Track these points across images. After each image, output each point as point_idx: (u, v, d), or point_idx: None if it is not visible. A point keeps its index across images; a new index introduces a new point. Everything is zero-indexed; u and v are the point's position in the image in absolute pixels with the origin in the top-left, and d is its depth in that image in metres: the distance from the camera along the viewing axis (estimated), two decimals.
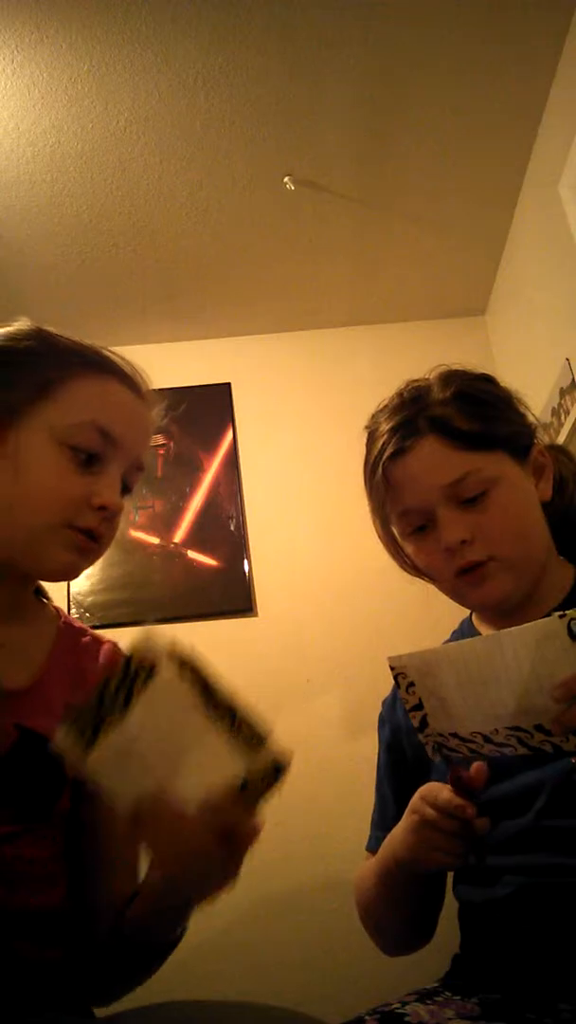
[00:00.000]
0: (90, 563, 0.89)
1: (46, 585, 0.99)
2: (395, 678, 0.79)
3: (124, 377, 0.91)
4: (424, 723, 0.79)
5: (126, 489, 0.91)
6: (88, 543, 0.85)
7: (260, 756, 0.64)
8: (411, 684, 0.77)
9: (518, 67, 1.92)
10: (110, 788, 0.62)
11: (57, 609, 0.98)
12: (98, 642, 0.97)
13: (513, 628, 0.70)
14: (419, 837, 0.83)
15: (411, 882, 0.92)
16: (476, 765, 0.79)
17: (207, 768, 0.63)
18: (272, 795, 0.65)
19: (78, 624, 0.99)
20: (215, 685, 0.65)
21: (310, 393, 2.57)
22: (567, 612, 0.65)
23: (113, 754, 0.61)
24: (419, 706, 0.78)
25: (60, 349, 0.88)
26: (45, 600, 0.98)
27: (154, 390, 0.96)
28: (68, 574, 0.87)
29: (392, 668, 0.78)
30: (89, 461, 0.85)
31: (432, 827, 0.81)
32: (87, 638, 0.97)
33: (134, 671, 0.64)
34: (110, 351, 0.93)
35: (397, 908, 0.99)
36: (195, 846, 0.64)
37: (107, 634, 0.99)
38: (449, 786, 0.79)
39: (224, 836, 0.64)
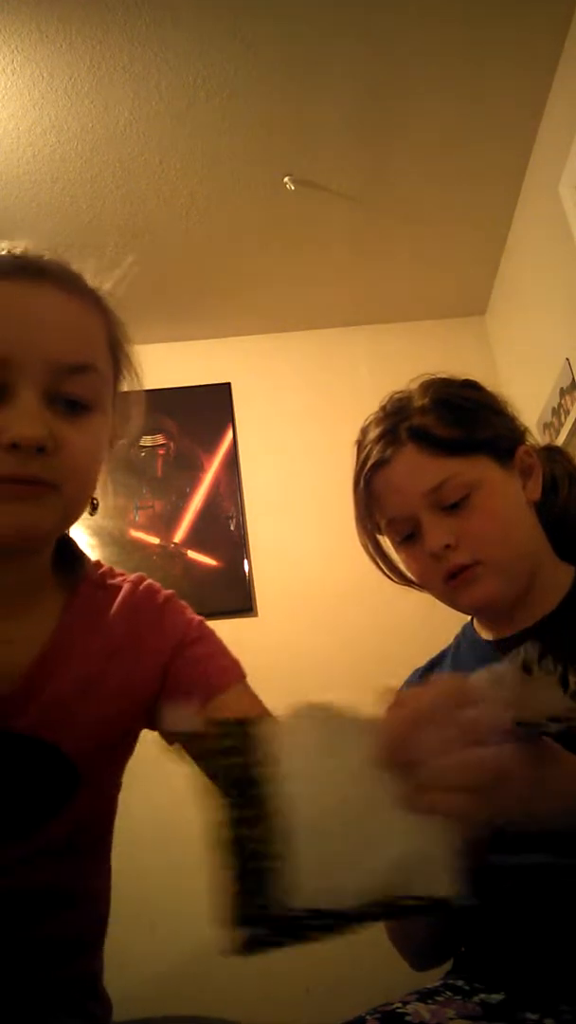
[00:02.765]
0: (54, 513, 0.71)
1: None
2: None
3: (6, 273, 0.71)
4: None
5: (75, 404, 0.71)
6: (21, 490, 0.67)
7: None
8: None
9: (518, 67, 1.92)
10: None
11: (79, 578, 0.83)
12: (117, 588, 0.85)
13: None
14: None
15: None
16: None
17: None
18: None
19: (100, 579, 0.85)
20: None
21: (310, 393, 2.57)
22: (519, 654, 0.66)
23: None
24: None
25: None
26: (75, 571, 0.83)
27: (72, 271, 0.76)
28: (24, 531, 0.69)
29: None
30: None
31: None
32: (106, 590, 0.84)
33: None
34: None
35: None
36: None
37: None
38: None
39: None
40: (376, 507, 1.00)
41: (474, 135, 2.08)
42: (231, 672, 0.85)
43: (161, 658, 0.82)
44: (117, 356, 0.80)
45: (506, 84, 1.96)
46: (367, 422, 1.04)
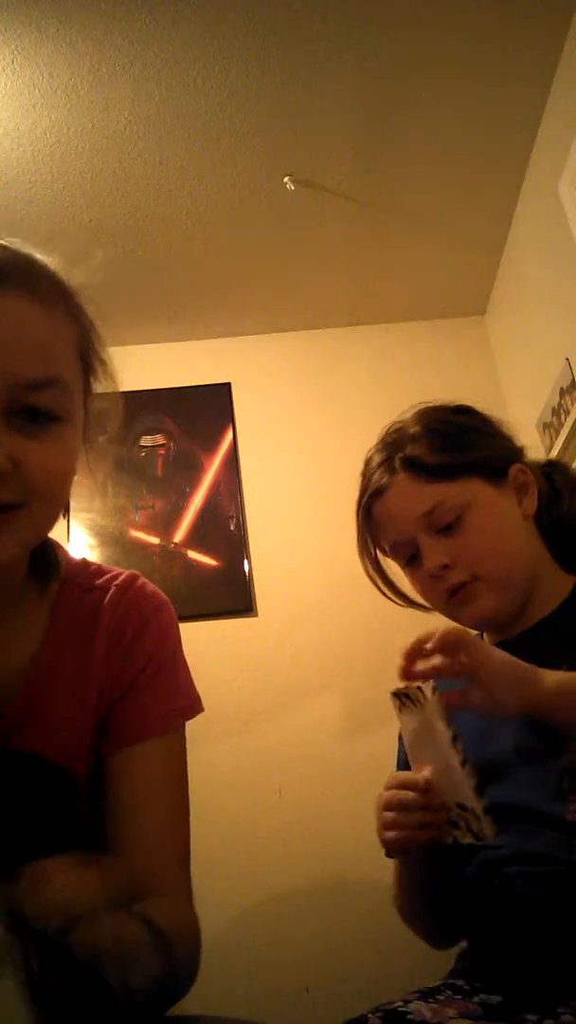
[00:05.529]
0: (23, 533, 0.67)
1: None
2: None
3: None
4: None
5: (39, 417, 0.65)
6: None
7: None
8: None
9: (518, 67, 1.92)
10: None
11: (59, 583, 0.80)
12: (103, 591, 0.80)
13: None
14: (379, 821, 0.88)
15: (413, 868, 0.98)
16: None
17: None
18: None
19: (86, 581, 0.82)
20: None
21: (310, 393, 2.57)
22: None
23: None
24: None
25: None
26: (53, 578, 0.80)
27: (38, 271, 0.69)
28: None
29: None
30: None
31: (388, 807, 0.87)
32: (92, 593, 0.80)
33: None
34: None
35: (411, 897, 1.05)
36: None
37: None
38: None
39: None
40: (379, 533, 1.09)
41: (474, 135, 2.08)
42: (165, 720, 0.78)
43: (128, 674, 0.79)
44: (88, 360, 0.74)
45: (506, 83, 1.96)
46: (370, 452, 1.12)
